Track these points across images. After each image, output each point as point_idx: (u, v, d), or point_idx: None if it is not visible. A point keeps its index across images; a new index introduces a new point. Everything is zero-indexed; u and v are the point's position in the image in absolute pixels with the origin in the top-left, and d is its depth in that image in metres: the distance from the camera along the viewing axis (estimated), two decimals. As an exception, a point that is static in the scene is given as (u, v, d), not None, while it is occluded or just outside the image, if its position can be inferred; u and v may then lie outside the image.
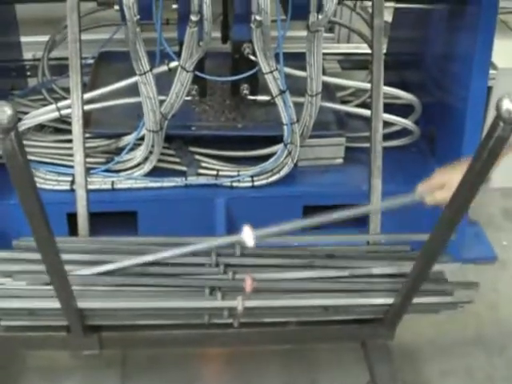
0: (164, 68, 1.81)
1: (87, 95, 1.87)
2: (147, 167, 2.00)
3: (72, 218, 1.87)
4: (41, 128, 2.13)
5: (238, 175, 2.02)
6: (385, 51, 1.94)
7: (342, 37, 3.02)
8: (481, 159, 1.19)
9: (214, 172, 2.04)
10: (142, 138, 1.94)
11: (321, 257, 1.74)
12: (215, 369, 1.99)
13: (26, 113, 2.01)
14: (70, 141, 1.84)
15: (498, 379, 1.97)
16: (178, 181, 2.01)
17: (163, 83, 1.82)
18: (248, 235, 1.42)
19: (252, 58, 1.77)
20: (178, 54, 1.74)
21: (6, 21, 2.34)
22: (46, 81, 2.26)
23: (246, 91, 1.88)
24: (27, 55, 2.47)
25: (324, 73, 1.90)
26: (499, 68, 2.40)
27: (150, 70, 1.75)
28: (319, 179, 2.12)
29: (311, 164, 2.13)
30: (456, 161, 1.51)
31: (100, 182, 1.98)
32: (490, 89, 2.11)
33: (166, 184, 2.01)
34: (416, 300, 1.62)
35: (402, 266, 1.68)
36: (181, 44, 1.72)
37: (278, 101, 1.83)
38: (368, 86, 1.97)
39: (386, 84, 1.86)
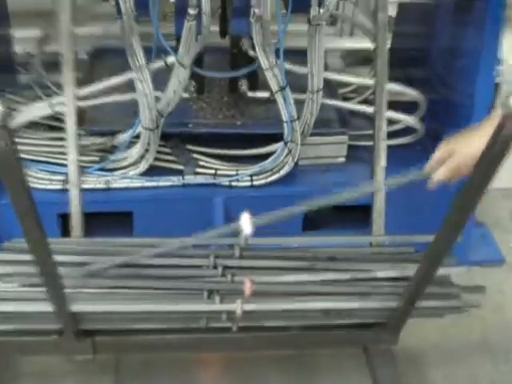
0: (161, 63, 1.79)
1: (81, 91, 1.86)
2: (143, 166, 1.99)
3: (65, 218, 1.86)
4: (33, 125, 2.11)
5: (237, 174, 2.02)
6: (389, 46, 1.96)
7: (345, 31, 2.98)
8: (487, 158, 1.18)
9: (212, 171, 2.03)
10: (138, 136, 1.93)
11: (322, 259, 1.72)
12: (212, 374, 1.97)
13: (17, 109, 1.99)
14: (63, 138, 1.83)
15: (502, 385, 1.98)
16: (175, 180, 2.00)
17: (160, 79, 1.81)
18: (246, 222, 1.39)
19: (251, 53, 1.76)
20: (175, 50, 1.73)
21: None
22: (38, 76, 2.24)
23: (244, 87, 1.87)
24: (18, 49, 2.42)
25: (326, 68, 1.89)
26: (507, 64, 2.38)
27: (146, 65, 1.74)
28: (321, 179, 2.10)
29: (312, 163, 2.12)
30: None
31: (94, 181, 1.97)
32: (496, 85, 2.10)
33: (162, 183, 2.00)
34: (420, 304, 1.61)
35: (405, 268, 1.67)
36: (178, 39, 1.72)
37: (278, 97, 1.82)
38: (371, 82, 1.96)
39: (389, 80, 1.84)
